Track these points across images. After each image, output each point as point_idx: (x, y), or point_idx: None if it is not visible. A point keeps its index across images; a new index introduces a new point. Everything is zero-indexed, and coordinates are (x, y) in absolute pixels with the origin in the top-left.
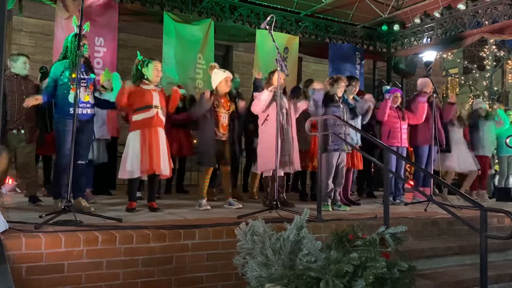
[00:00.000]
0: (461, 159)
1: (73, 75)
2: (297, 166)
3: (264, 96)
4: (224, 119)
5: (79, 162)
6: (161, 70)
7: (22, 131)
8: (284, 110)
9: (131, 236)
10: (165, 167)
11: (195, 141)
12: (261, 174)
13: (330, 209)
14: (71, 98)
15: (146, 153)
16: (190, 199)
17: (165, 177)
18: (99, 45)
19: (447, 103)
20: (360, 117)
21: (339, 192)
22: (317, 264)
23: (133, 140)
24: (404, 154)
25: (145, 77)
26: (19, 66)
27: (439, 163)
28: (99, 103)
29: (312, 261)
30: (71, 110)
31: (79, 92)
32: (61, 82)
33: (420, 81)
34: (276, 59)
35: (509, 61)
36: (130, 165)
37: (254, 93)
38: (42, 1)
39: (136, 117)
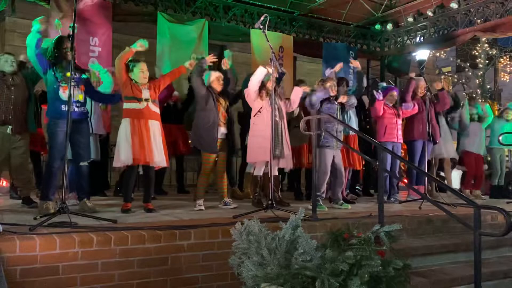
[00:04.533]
0: (447, 146)
1: (68, 74)
2: (289, 163)
3: (258, 71)
4: (222, 110)
5: (81, 163)
6: (157, 67)
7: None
8: (276, 106)
9: (126, 237)
10: (160, 159)
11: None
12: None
13: (326, 209)
14: (61, 95)
15: (137, 142)
16: (185, 199)
17: (162, 167)
18: (93, 44)
19: (439, 92)
20: (353, 109)
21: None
22: (313, 263)
23: (124, 128)
24: (399, 151)
25: (134, 80)
26: (1, 63)
27: (432, 152)
28: (103, 98)
29: (307, 260)
30: (63, 107)
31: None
32: (51, 76)
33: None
34: (271, 59)
35: (501, 59)
36: (123, 154)
37: (245, 90)
38: (35, 2)
39: (126, 105)
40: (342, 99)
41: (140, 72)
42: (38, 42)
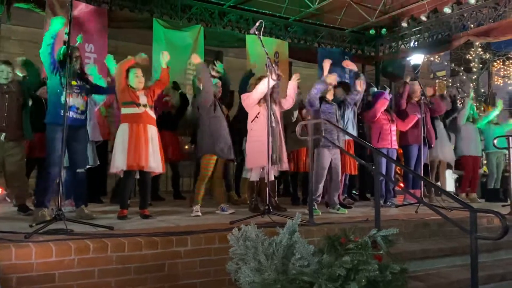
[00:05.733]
0: (444, 149)
1: (74, 83)
2: (285, 165)
3: (262, 85)
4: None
5: (78, 170)
6: (152, 72)
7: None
8: (272, 112)
9: (123, 244)
10: (156, 164)
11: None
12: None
13: (319, 213)
14: (63, 100)
15: (133, 147)
16: (182, 205)
17: (158, 173)
18: (89, 51)
19: (432, 97)
20: (351, 108)
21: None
22: (310, 268)
23: (122, 133)
24: (394, 156)
25: (130, 86)
26: None
27: (428, 155)
28: (98, 90)
29: (305, 265)
30: (62, 112)
31: (72, 97)
32: (56, 80)
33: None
34: (266, 64)
35: (495, 63)
36: (118, 159)
37: (242, 95)
38: (31, 9)
39: (125, 111)
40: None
41: (135, 77)
42: (53, 42)
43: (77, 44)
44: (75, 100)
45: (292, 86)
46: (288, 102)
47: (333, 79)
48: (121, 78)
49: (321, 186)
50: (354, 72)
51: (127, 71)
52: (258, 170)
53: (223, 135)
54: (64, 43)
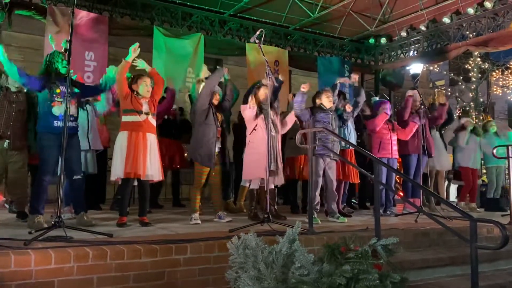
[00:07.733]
0: (440, 159)
1: (58, 90)
2: (280, 179)
3: (248, 113)
4: (218, 124)
5: (75, 177)
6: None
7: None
8: (270, 120)
9: (122, 251)
10: (154, 172)
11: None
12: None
13: (319, 221)
14: (54, 111)
15: (131, 155)
16: (181, 213)
17: (156, 181)
18: (89, 59)
19: (440, 106)
20: (351, 122)
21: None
22: (310, 277)
23: (120, 141)
24: (395, 166)
25: (135, 92)
26: (9, 81)
27: (427, 165)
28: (89, 91)
29: (304, 274)
30: (55, 123)
31: (63, 104)
32: (45, 92)
33: (408, 93)
34: (266, 73)
35: (494, 73)
36: (117, 168)
37: (241, 106)
38: (32, 16)
39: (125, 118)
40: (348, 108)
41: (145, 85)
42: (18, 70)
43: (62, 49)
44: (63, 108)
45: (291, 116)
46: (284, 129)
47: (306, 85)
48: (123, 84)
49: (317, 193)
50: (354, 87)
51: (137, 79)
52: (257, 179)
53: (208, 142)
54: (65, 50)
